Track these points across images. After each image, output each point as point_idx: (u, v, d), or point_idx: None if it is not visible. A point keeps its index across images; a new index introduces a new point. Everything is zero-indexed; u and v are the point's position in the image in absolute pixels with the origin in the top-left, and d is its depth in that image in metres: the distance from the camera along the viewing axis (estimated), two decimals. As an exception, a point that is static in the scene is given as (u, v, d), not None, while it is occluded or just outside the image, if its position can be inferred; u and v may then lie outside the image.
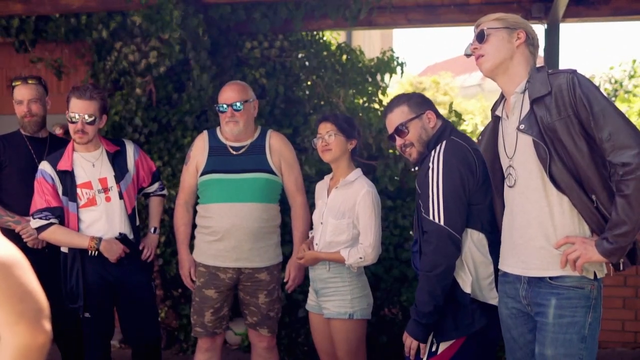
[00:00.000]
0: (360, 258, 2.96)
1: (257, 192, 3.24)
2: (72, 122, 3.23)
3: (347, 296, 3.01)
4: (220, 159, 3.29)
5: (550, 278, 2.16)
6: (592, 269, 2.13)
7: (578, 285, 2.14)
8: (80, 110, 3.21)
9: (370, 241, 2.96)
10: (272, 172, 3.30)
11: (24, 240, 3.43)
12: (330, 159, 3.09)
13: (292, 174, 3.37)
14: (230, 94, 3.27)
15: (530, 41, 2.27)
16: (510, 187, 2.29)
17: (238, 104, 3.24)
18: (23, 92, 3.54)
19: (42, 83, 3.63)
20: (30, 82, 3.57)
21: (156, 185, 3.58)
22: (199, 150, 3.36)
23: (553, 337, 2.14)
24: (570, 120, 2.08)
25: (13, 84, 3.58)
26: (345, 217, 3.01)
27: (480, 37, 2.27)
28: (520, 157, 2.22)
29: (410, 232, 4.39)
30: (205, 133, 3.42)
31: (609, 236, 2.03)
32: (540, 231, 2.17)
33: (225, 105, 3.26)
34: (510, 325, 2.34)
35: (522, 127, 2.19)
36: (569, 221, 2.14)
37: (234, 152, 3.30)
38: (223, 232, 3.22)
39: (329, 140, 3.05)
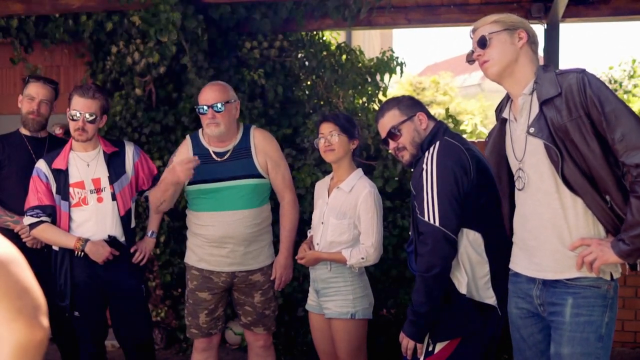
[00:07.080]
0: (362, 258, 2.96)
1: (247, 199, 3.19)
2: (73, 120, 3.23)
3: (349, 296, 3.01)
4: (206, 168, 3.17)
5: (567, 279, 2.13)
6: (608, 269, 2.11)
7: (595, 285, 2.11)
8: (82, 108, 3.22)
9: (372, 241, 2.96)
10: (259, 175, 3.23)
11: (23, 240, 3.43)
12: (333, 159, 3.07)
13: (279, 171, 3.29)
14: (210, 95, 3.15)
15: (532, 39, 2.23)
16: (520, 190, 2.25)
17: (219, 104, 3.13)
18: (38, 90, 3.54)
19: (56, 88, 3.64)
20: (47, 83, 3.58)
21: None
22: (183, 157, 3.25)
23: (570, 336, 2.12)
24: (581, 120, 2.05)
25: (30, 79, 3.57)
26: (347, 218, 3.00)
27: (482, 43, 2.23)
28: (530, 160, 2.19)
29: (410, 233, 4.38)
30: (188, 139, 3.33)
31: (625, 237, 2.00)
32: (555, 233, 2.14)
33: (205, 107, 3.14)
34: (520, 325, 2.32)
35: (532, 130, 2.15)
36: (583, 223, 2.11)
37: (218, 159, 3.22)
38: (216, 240, 3.19)
39: (332, 140, 3.03)
